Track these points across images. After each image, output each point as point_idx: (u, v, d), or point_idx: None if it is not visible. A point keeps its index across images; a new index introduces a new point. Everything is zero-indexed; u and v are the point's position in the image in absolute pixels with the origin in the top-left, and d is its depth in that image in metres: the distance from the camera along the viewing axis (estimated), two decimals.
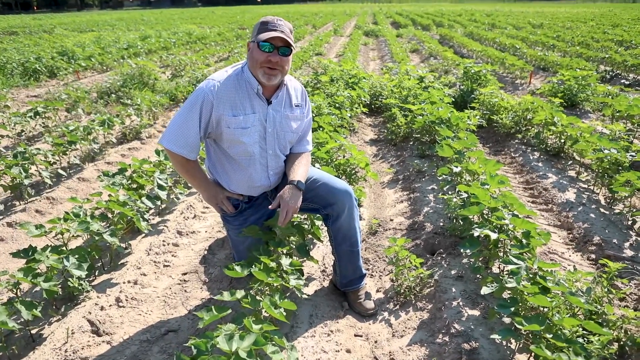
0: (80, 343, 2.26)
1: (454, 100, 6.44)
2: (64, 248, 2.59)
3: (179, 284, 2.81)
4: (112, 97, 7.14)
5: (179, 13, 46.32)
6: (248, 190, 2.42)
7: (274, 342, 1.70)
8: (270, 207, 2.28)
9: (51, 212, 3.69)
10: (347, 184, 2.48)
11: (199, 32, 18.99)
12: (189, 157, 2.25)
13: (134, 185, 3.38)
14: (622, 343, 2.17)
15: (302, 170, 2.36)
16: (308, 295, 2.62)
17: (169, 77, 9.36)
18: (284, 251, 2.32)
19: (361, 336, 2.40)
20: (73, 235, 2.71)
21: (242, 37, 18.55)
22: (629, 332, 2.20)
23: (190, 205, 3.78)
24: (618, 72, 9.46)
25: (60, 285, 2.49)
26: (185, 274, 2.91)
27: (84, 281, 2.58)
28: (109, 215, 2.99)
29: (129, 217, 3.01)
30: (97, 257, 2.80)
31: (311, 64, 10.90)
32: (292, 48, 2.17)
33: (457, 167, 3.32)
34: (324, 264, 2.95)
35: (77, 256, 2.50)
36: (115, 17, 37.80)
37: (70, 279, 2.49)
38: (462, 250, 2.55)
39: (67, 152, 4.46)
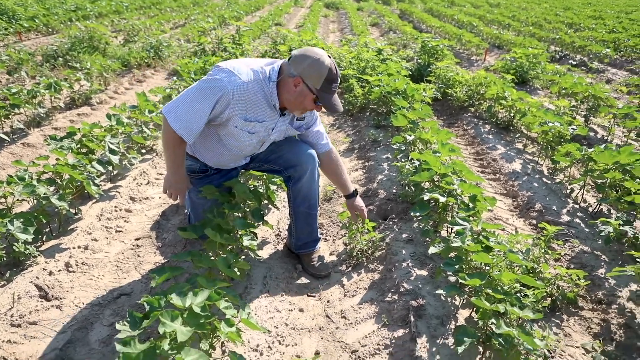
0: (27, 308, 2.20)
1: (411, 73, 6.54)
2: (8, 212, 2.49)
3: (132, 249, 2.78)
4: (60, 61, 6.76)
5: None
6: (222, 167, 2.47)
7: (227, 299, 1.73)
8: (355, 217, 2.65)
9: None
10: (310, 147, 2.50)
11: None
12: (186, 140, 2.15)
13: (84, 150, 3.26)
14: (554, 298, 2.35)
15: (347, 176, 2.67)
16: (262, 257, 2.66)
17: (121, 43, 8.95)
18: (239, 214, 2.34)
19: (314, 296, 2.47)
20: (18, 199, 2.60)
21: (199, 3, 17.88)
22: (560, 288, 2.38)
23: (144, 172, 3.70)
24: (567, 52, 9.84)
25: (4, 251, 2.41)
26: (138, 239, 2.88)
27: (31, 246, 2.50)
28: (57, 179, 2.89)
29: (78, 182, 2.92)
30: (44, 222, 2.71)
31: (270, 34, 10.70)
32: None
33: (410, 135, 3.41)
34: (279, 229, 2.98)
35: (22, 220, 2.41)
36: None
37: (15, 243, 2.40)
38: (412, 214, 2.65)
39: (10, 116, 4.22)
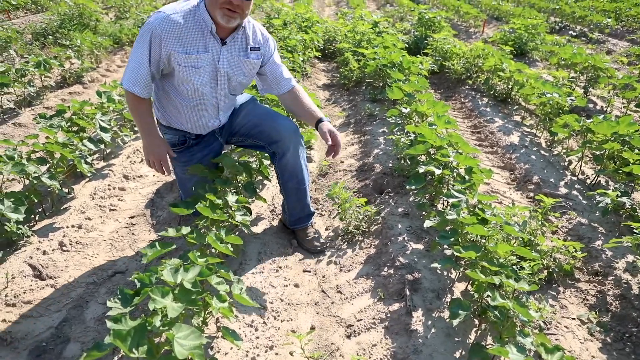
0: (22, 287, 2.19)
1: (407, 46, 6.43)
2: None
3: (126, 227, 2.76)
4: (49, 39, 6.62)
5: None
6: (197, 129, 2.36)
7: (219, 275, 1.71)
8: (329, 143, 2.28)
9: None
10: (293, 121, 2.45)
11: None
12: (140, 95, 2.14)
13: (75, 128, 3.21)
14: (550, 270, 2.34)
15: (314, 105, 2.46)
16: (257, 233, 2.64)
17: (112, 19, 8.76)
18: (231, 189, 2.30)
19: (309, 272, 2.46)
20: (7, 179, 2.57)
21: None
22: (557, 260, 2.37)
23: (137, 149, 3.65)
24: (567, 23, 9.68)
25: None
26: (132, 217, 2.85)
27: (23, 226, 2.47)
28: (48, 159, 2.84)
29: (70, 161, 2.87)
30: (36, 202, 2.68)
31: (265, 8, 10.48)
32: None
33: (406, 108, 3.36)
34: (273, 204, 2.96)
35: (12, 200, 2.38)
36: None
37: (6, 223, 2.37)
38: (408, 188, 2.62)
39: None
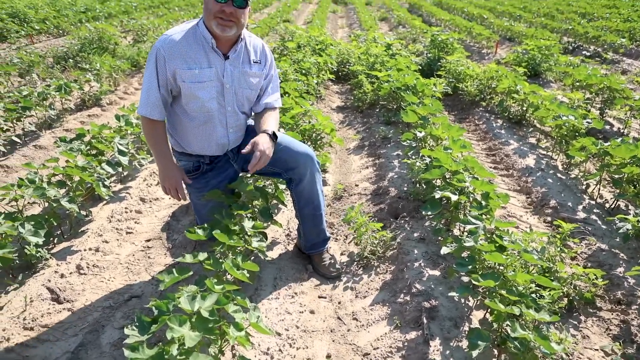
0: (39, 311, 2.21)
1: (420, 68, 6.46)
2: (19, 215, 2.50)
3: (143, 250, 2.77)
4: (70, 63, 6.80)
5: None
6: (208, 149, 2.37)
7: (236, 302, 1.71)
8: (243, 151, 2.16)
9: (6, 180, 3.53)
10: (309, 147, 2.47)
11: None
12: (151, 117, 2.19)
13: (93, 152, 3.27)
14: (571, 298, 2.29)
15: (273, 123, 2.33)
16: (272, 258, 2.64)
17: (130, 43, 8.98)
18: (247, 214, 2.31)
19: (325, 298, 2.44)
20: (29, 202, 2.62)
21: None
22: (577, 288, 2.32)
23: (154, 172, 3.70)
24: (580, 43, 9.66)
25: (16, 254, 2.41)
26: (148, 240, 2.87)
27: (42, 249, 2.50)
28: (67, 182, 2.89)
29: (88, 184, 2.92)
30: (55, 225, 2.71)
31: (279, 30, 10.67)
32: (247, 1, 2.11)
33: (421, 132, 3.36)
34: (289, 228, 2.96)
35: (33, 223, 2.42)
36: None
37: (26, 246, 2.41)
38: (424, 213, 2.60)
39: (22, 119, 4.25)
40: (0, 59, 6.56)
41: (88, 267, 2.56)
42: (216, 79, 2.21)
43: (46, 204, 3.02)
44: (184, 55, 2.13)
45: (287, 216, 3.10)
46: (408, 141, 3.46)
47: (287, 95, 4.32)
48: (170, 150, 2.34)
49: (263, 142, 2.14)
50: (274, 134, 2.23)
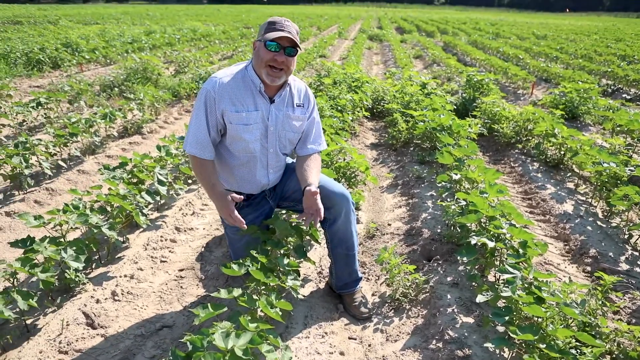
0: (74, 335, 2.26)
1: (455, 107, 6.47)
2: (62, 239, 2.59)
3: (175, 279, 2.82)
4: (115, 91, 7.14)
5: (184, 9, 46.35)
6: (247, 188, 2.43)
7: (269, 342, 1.71)
8: (301, 220, 2.29)
9: (50, 203, 3.69)
10: (344, 187, 2.49)
11: (203, 30, 19.00)
12: (200, 156, 2.25)
13: (134, 180, 3.39)
14: (614, 356, 2.18)
15: (316, 173, 2.39)
16: (304, 296, 2.63)
17: (172, 73, 9.37)
18: (282, 251, 2.33)
19: (355, 339, 2.40)
20: (72, 227, 2.71)
21: (246, 36, 18.57)
22: (621, 346, 2.21)
23: (189, 202, 3.78)
24: (620, 86, 9.50)
25: (56, 277, 2.50)
26: (181, 270, 2.92)
27: (81, 273, 2.58)
28: (108, 208, 2.99)
29: (128, 211, 3.01)
30: (94, 250, 2.80)
31: (315, 66, 10.92)
32: (298, 49, 2.19)
33: (456, 174, 3.34)
34: (321, 266, 2.95)
35: (74, 248, 2.50)
36: (121, 11, 37.80)
37: (67, 270, 2.49)
38: (458, 258, 2.56)
39: (68, 144, 4.46)
40: (53, 85, 6.94)
41: (122, 294, 2.62)
42: (261, 122, 2.28)
43: (86, 229, 3.13)
44: (232, 98, 2.22)
45: (319, 253, 3.10)
46: (443, 182, 3.44)
47: (322, 131, 4.38)
48: (219, 183, 2.35)
49: (316, 202, 2.23)
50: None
